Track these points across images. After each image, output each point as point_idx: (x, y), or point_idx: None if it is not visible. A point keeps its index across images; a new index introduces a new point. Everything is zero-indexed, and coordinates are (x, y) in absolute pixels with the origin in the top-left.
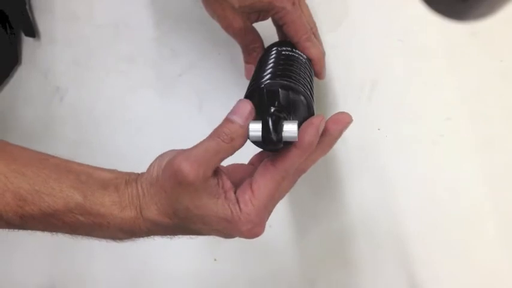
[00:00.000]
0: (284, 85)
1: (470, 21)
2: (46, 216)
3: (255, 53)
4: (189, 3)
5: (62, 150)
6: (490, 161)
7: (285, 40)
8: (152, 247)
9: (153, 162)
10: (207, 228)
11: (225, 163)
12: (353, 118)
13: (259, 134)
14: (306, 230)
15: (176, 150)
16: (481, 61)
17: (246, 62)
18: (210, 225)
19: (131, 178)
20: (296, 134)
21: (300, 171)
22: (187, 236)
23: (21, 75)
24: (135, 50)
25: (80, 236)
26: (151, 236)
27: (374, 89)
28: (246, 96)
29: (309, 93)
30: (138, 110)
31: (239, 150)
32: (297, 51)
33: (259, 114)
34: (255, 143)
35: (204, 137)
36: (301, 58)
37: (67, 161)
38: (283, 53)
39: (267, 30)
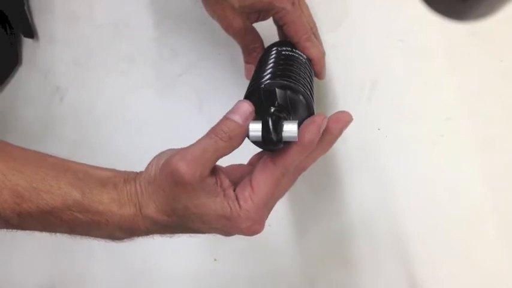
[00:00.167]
0: (284, 85)
1: (470, 21)
2: (44, 213)
3: (255, 53)
4: (189, 3)
5: (62, 150)
6: (490, 161)
7: (285, 40)
8: (152, 247)
9: (151, 160)
10: (206, 226)
11: (225, 164)
12: (353, 118)
13: (259, 134)
14: (305, 230)
15: (174, 149)
16: (481, 61)
17: (246, 62)
18: (209, 224)
19: (130, 176)
20: (296, 134)
21: (300, 169)
22: (187, 235)
23: (21, 76)
24: (135, 50)
25: (79, 235)
26: (151, 235)
27: (374, 89)
28: (246, 96)
29: (309, 93)
30: (138, 110)
31: (239, 151)
32: (297, 51)
33: (259, 114)
34: (255, 143)
35: None
36: (301, 58)
37: (65, 160)
38: (283, 53)
39: (267, 30)
